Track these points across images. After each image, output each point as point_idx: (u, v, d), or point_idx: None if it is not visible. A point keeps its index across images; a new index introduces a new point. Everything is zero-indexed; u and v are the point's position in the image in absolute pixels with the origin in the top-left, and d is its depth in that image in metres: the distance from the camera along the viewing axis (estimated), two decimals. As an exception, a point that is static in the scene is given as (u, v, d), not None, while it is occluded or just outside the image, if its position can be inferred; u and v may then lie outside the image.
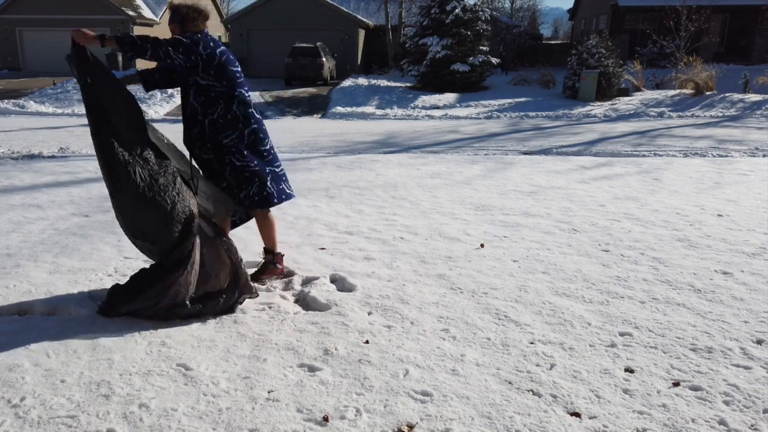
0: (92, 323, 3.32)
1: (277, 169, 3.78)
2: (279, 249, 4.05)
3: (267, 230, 3.92)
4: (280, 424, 2.45)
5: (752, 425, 2.45)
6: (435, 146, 10.83)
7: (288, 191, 3.85)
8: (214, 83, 3.49)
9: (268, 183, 3.69)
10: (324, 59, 23.81)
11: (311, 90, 22.62)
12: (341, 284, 3.95)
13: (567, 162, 8.91)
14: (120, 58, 26.82)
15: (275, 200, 3.73)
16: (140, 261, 4.32)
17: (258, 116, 3.69)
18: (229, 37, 30.06)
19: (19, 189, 6.75)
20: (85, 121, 15.16)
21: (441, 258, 4.45)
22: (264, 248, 4.02)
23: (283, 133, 13.24)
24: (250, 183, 3.63)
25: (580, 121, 15.20)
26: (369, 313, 3.50)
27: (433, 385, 2.74)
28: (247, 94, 3.63)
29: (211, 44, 3.46)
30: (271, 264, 3.98)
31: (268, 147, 3.72)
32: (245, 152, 3.59)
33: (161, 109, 17.48)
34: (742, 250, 4.64)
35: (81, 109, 17.19)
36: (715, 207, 6.02)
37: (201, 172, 3.69)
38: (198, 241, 3.33)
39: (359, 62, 29.05)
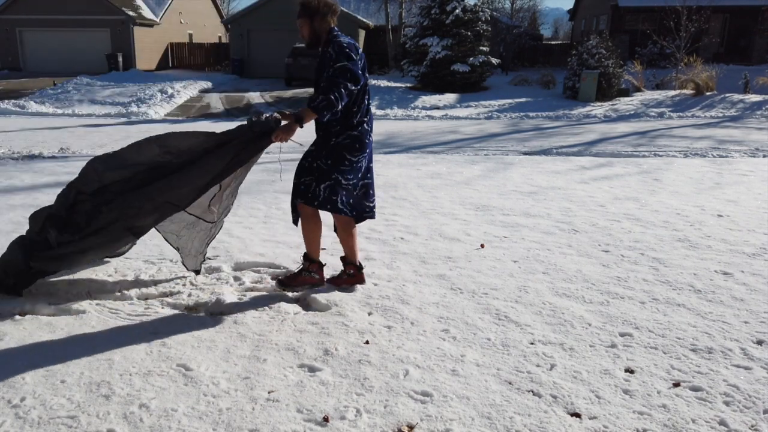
0: (92, 323, 3.32)
1: (353, 182, 3.62)
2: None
3: (346, 239, 3.79)
4: (280, 425, 2.45)
5: (752, 426, 2.45)
6: (435, 146, 10.83)
7: (348, 208, 3.65)
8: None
9: (331, 189, 3.58)
10: (324, 60, 23.78)
11: (311, 90, 22.60)
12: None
13: (567, 162, 8.91)
14: (120, 59, 26.83)
15: (315, 202, 3.60)
16: (140, 261, 4.32)
17: (367, 128, 3.60)
18: (229, 37, 30.04)
19: (19, 189, 6.75)
20: (84, 121, 15.18)
21: (441, 258, 4.45)
22: (303, 253, 3.86)
23: (284, 133, 13.24)
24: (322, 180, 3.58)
25: (580, 122, 15.20)
26: (369, 314, 3.50)
27: (433, 385, 2.74)
28: (366, 103, 3.56)
29: (356, 52, 3.39)
30: (306, 272, 3.82)
31: (356, 158, 3.58)
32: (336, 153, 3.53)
33: (161, 109, 17.47)
34: (742, 251, 4.64)
35: (81, 109, 17.21)
36: (715, 207, 6.02)
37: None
38: None
39: (359, 62, 29.03)
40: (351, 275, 3.86)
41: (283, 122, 3.43)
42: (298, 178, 3.66)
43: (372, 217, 3.84)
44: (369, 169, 3.73)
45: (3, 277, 3.60)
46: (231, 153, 3.42)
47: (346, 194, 3.63)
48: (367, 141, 3.60)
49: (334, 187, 3.57)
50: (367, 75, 3.54)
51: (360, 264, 3.92)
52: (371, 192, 3.79)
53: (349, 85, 3.28)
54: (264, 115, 3.48)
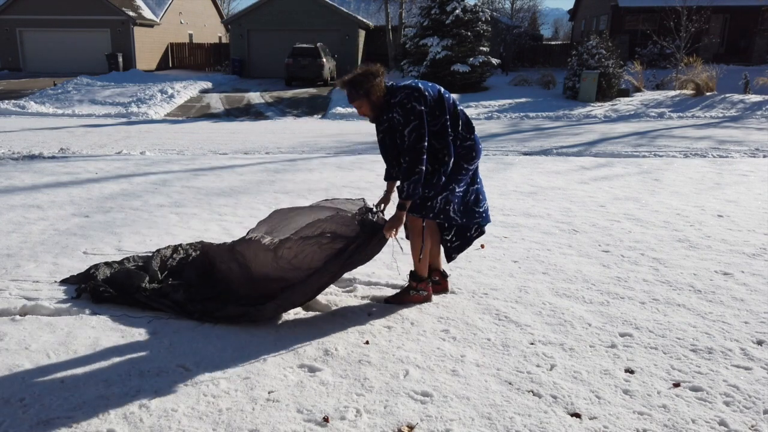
0: (92, 323, 3.32)
1: (464, 188, 3.52)
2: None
3: (415, 248, 3.56)
4: (280, 425, 2.44)
5: (752, 426, 2.45)
6: (435, 147, 10.82)
7: (451, 215, 3.50)
8: (436, 122, 3.32)
9: (446, 200, 3.46)
10: (324, 60, 23.78)
11: (311, 90, 22.62)
12: (341, 284, 3.94)
13: (567, 162, 8.91)
14: (120, 59, 26.85)
15: (430, 214, 3.45)
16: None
17: (476, 134, 3.53)
18: (230, 37, 30.04)
19: (19, 189, 6.75)
20: (84, 121, 15.18)
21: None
22: (410, 270, 3.67)
23: (284, 133, 13.25)
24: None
25: (580, 122, 15.20)
26: (369, 314, 3.50)
27: (433, 385, 2.74)
28: (461, 122, 3.43)
29: (419, 99, 3.24)
30: (413, 290, 3.61)
31: (471, 165, 3.50)
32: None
33: (161, 110, 17.47)
34: (742, 251, 4.64)
35: (81, 109, 17.22)
36: (715, 207, 6.02)
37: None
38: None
39: (359, 63, 29.03)
40: (419, 291, 3.64)
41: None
42: None
43: (483, 221, 3.69)
44: (477, 174, 3.63)
45: (97, 284, 3.69)
46: (346, 255, 3.40)
47: (458, 201, 3.54)
48: (479, 147, 3.52)
49: (448, 196, 3.46)
50: (446, 97, 3.37)
51: (443, 271, 3.82)
52: (481, 197, 3.67)
53: (424, 148, 3.22)
54: (369, 210, 3.50)
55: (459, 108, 3.46)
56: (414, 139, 3.22)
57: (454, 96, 3.51)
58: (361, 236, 3.41)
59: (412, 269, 3.64)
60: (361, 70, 3.33)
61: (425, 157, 3.24)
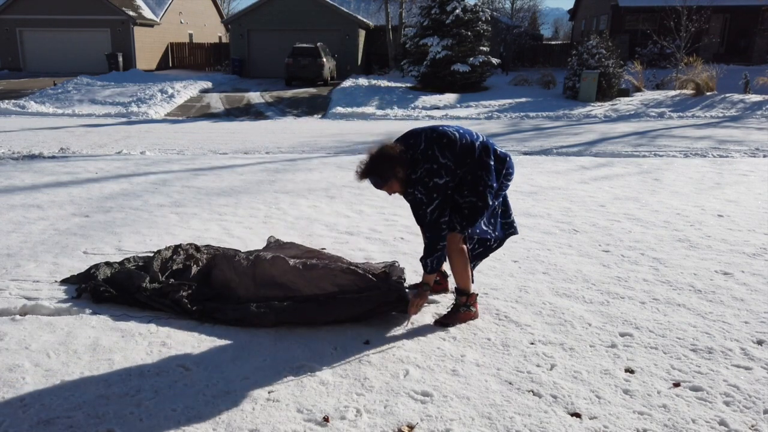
0: (92, 323, 3.32)
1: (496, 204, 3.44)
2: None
3: (457, 265, 3.39)
4: (280, 425, 2.44)
5: (753, 426, 2.45)
6: (435, 146, 10.81)
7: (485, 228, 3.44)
8: (460, 176, 3.21)
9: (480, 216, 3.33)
10: (324, 59, 23.76)
11: (311, 90, 22.60)
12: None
13: (567, 162, 8.91)
14: (120, 59, 26.84)
15: (466, 228, 3.30)
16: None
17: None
18: (230, 37, 30.03)
19: (19, 189, 6.75)
20: (84, 121, 15.18)
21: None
22: (455, 288, 3.46)
23: (284, 133, 13.24)
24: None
25: (580, 122, 15.20)
26: (369, 314, 3.49)
27: (433, 385, 2.74)
28: (480, 151, 3.24)
29: (438, 173, 3.11)
30: (464, 307, 3.42)
31: (511, 181, 3.41)
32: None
33: (161, 109, 17.47)
34: (742, 251, 4.64)
35: (81, 109, 17.22)
36: (715, 207, 6.02)
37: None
38: None
39: (359, 62, 29.01)
40: (469, 308, 3.44)
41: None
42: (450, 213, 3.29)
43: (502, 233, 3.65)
44: None
45: (97, 284, 3.69)
46: (366, 306, 3.37)
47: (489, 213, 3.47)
48: (511, 161, 3.39)
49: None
50: (465, 146, 3.19)
51: (444, 272, 3.77)
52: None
53: (444, 223, 3.19)
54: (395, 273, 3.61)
55: (480, 141, 3.27)
56: (436, 216, 3.18)
57: (475, 132, 3.34)
58: (384, 288, 3.42)
59: (457, 286, 3.44)
60: (377, 153, 3.14)
61: (446, 233, 3.22)
